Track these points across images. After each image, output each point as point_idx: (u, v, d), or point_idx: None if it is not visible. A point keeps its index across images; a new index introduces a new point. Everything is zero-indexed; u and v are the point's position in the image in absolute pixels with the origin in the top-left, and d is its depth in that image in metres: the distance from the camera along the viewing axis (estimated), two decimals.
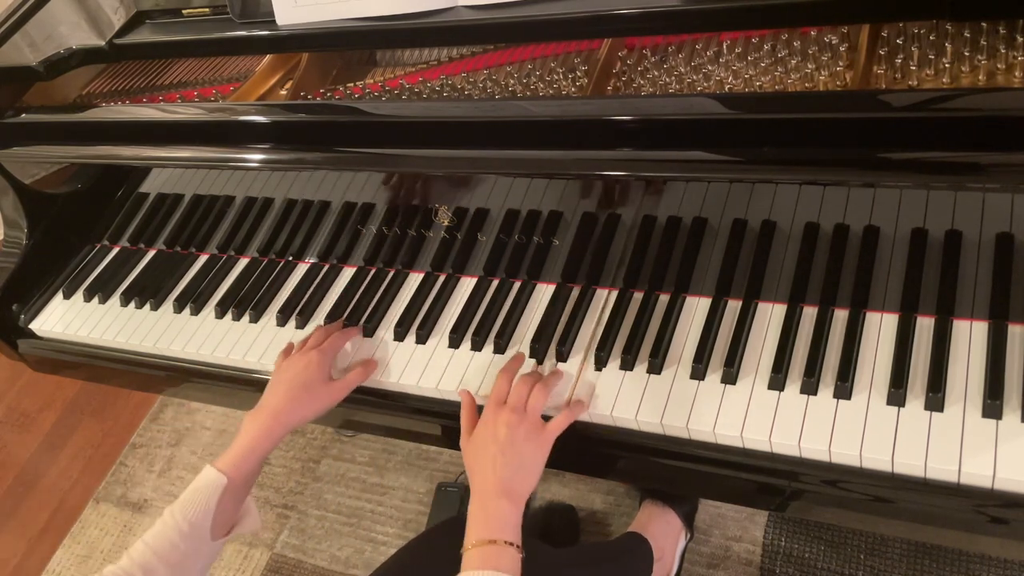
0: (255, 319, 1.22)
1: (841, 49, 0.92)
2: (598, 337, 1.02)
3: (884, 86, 0.87)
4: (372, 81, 1.17)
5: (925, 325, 0.91)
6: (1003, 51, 0.83)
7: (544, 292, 1.11)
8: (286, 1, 1.09)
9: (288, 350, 1.11)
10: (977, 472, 0.79)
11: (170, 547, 0.92)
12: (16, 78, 1.31)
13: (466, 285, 1.15)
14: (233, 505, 0.98)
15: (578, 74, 1.03)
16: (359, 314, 1.16)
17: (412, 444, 1.86)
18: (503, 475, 0.89)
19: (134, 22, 1.29)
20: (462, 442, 0.97)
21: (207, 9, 1.23)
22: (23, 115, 1.27)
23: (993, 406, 0.82)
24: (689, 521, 1.54)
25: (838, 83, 0.90)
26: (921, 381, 0.87)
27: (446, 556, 0.88)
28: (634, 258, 1.05)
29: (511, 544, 0.85)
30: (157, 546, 0.91)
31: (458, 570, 0.85)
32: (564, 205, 1.07)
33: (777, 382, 0.91)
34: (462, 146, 1.00)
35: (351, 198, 1.20)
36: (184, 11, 1.25)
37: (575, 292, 1.09)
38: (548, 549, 1.17)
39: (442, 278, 1.17)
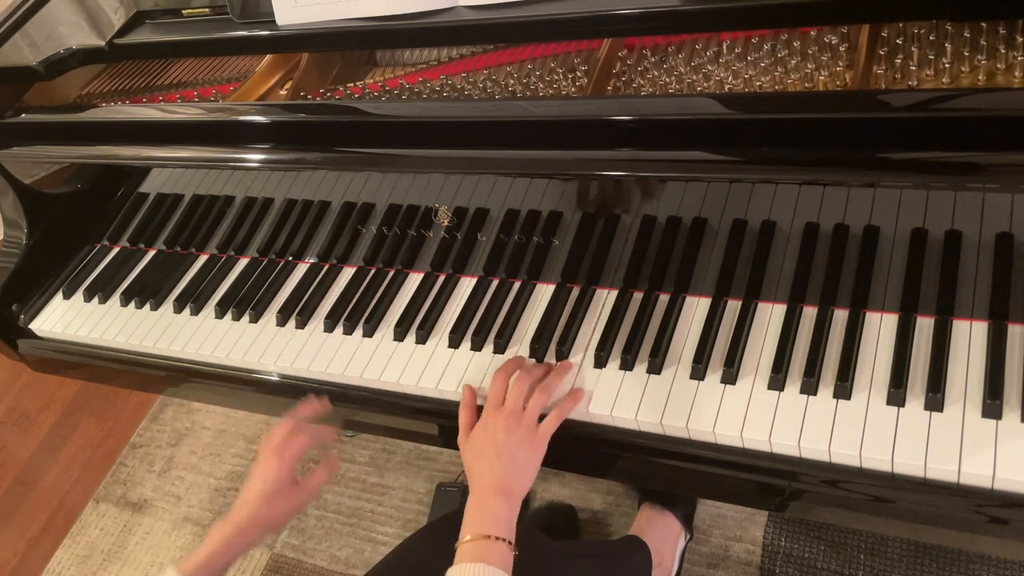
0: (255, 319, 1.22)
1: (841, 49, 0.92)
2: (598, 337, 1.02)
3: (884, 86, 0.87)
4: (372, 81, 1.17)
5: (925, 325, 0.91)
6: (1003, 51, 0.83)
7: (544, 292, 1.11)
8: (286, 1, 1.09)
9: (272, 443, 1.04)
10: (977, 472, 0.79)
11: None
12: (16, 78, 1.31)
13: (466, 285, 1.15)
14: None
15: (578, 74, 1.03)
16: (359, 314, 1.16)
17: (412, 444, 1.86)
18: (499, 476, 0.91)
19: (134, 22, 1.29)
20: (460, 440, 0.98)
21: (207, 9, 1.23)
22: (23, 115, 1.27)
23: (993, 406, 0.82)
24: (688, 522, 1.54)
25: (838, 83, 0.90)
26: (921, 381, 0.87)
27: (446, 550, 0.89)
28: (634, 258, 1.05)
29: (504, 540, 0.87)
30: None
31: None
32: (564, 205, 1.07)
33: (777, 382, 0.91)
34: (462, 146, 1.00)
35: (351, 198, 1.20)
36: (184, 11, 1.25)
37: (575, 292, 1.09)
38: (547, 540, 1.18)
39: (442, 278, 1.17)
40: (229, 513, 1.01)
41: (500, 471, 0.92)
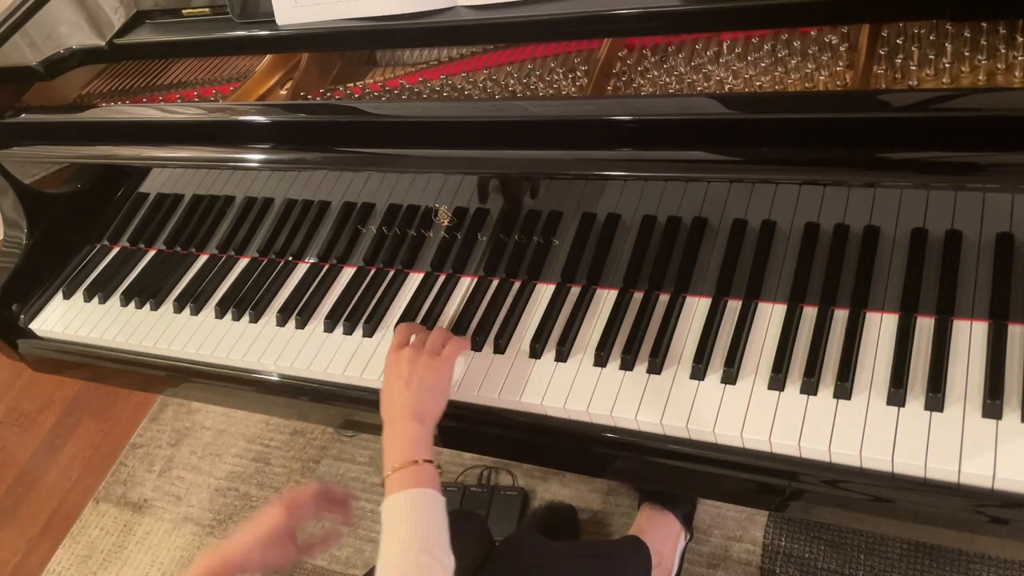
0: (255, 319, 1.22)
1: (841, 49, 0.92)
2: (598, 337, 1.02)
3: (884, 86, 0.87)
4: (372, 81, 1.17)
5: (925, 325, 0.91)
6: (1003, 51, 0.83)
7: (544, 292, 1.11)
8: (286, 1, 1.09)
9: (288, 496, 1.03)
10: (977, 472, 0.79)
11: None
12: (16, 78, 1.31)
13: (466, 285, 1.15)
14: None
15: (578, 74, 1.03)
16: (359, 314, 1.16)
17: None
18: (410, 402, 0.96)
19: (134, 22, 1.29)
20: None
21: (207, 9, 1.23)
22: (23, 115, 1.27)
23: (993, 406, 0.82)
24: (688, 522, 1.54)
25: (838, 83, 0.90)
26: (921, 381, 0.87)
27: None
28: (634, 258, 1.05)
29: (428, 461, 0.92)
30: None
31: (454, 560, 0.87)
32: (564, 205, 1.07)
33: (777, 382, 0.91)
34: (462, 146, 1.00)
35: (351, 198, 1.20)
36: (184, 11, 1.25)
37: (575, 292, 1.09)
38: (546, 541, 1.18)
39: (442, 278, 1.17)
40: (219, 545, 0.99)
41: (410, 398, 0.96)
